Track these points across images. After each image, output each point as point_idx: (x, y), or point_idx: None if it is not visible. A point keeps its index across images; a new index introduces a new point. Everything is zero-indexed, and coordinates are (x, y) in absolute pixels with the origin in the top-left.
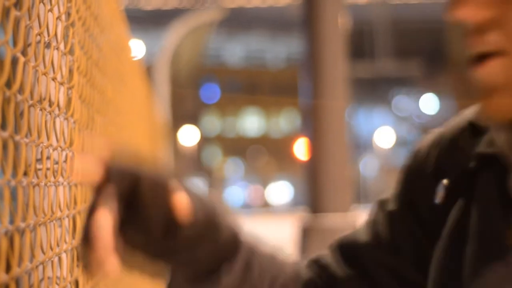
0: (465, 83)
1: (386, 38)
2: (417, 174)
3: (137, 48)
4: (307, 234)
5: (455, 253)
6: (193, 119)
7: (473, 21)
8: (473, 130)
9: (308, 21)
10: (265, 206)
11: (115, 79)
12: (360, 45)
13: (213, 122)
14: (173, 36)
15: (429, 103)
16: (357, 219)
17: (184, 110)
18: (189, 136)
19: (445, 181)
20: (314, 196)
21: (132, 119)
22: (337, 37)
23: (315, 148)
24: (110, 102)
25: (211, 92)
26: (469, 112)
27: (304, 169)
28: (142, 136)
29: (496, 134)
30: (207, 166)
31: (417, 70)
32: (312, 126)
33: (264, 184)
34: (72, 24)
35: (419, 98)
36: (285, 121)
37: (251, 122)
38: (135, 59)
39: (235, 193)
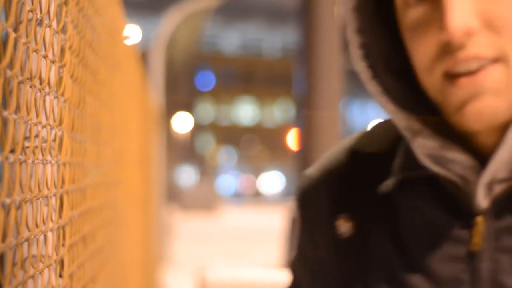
0: None
1: None
2: (312, 220)
3: (134, 33)
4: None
5: (404, 276)
6: (187, 106)
7: (467, 35)
8: (361, 158)
9: (303, 12)
10: (257, 196)
11: (108, 61)
12: None
13: (207, 110)
14: (169, 22)
15: None
16: None
17: (179, 97)
18: (183, 123)
19: (347, 214)
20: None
21: (125, 103)
22: (332, 28)
23: (307, 138)
24: (103, 83)
25: (206, 80)
26: (346, 145)
27: (295, 159)
28: (134, 120)
29: (420, 152)
30: (200, 154)
31: None
32: (305, 116)
33: (256, 173)
34: (66, 3)
35: None
36: (279, 111)
37: (245, 111)
38: (130, 43)
39: (227, 181)
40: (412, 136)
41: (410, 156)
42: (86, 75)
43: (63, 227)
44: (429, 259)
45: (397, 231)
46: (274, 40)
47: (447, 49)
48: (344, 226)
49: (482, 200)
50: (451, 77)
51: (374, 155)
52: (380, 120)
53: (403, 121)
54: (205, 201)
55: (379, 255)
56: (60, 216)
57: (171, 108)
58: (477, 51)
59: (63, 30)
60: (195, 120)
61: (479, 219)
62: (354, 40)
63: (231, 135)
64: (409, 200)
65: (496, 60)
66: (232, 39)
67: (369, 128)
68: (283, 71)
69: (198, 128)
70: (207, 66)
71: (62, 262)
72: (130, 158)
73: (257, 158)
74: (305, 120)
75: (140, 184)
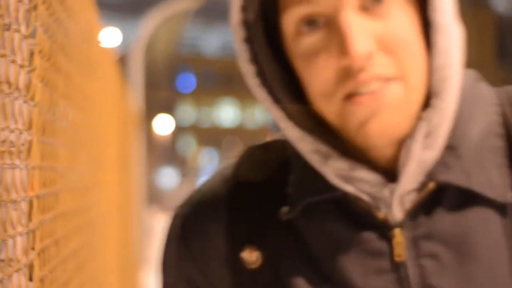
0: None
1: None
2: (201, 258)
3: (114, 36)
4: None
5: None
6: (168, 109)
7: (367, 58)
8: (246, 188)
9: None
10: None
11: (83, 65)
12: None
13: (188, 112)
14: (148, 25)
15: None
16: None
17: (159, 99)
18: (164, 125)
19: (252, 245)
20: None
21: (102, 106)
22: None
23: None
24: (77, 87)
25: (187, 82)
26: (223, 176)
27: None
28: (112, 124)
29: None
30: (181, 156)
31: None
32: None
33: None
34: (35, 7)
35: None
36: (261, 112)
37: (227, 113)
38: (107, 46)
39: None
40: (323, 159)
41: (312, 177)
42: (58, 79)
43: (33, 231)
44: (353, 277)
45: (310, 256)
46: None
47: (348, 73)
48: (250, 257)
49: (397, 212)
50: (352, 98)
51: (260, 183)
52: (252, 145)
53: (310, 145)
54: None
55: (296, 282)
56: (30, 220)
57: (152, 110)
58: (378, 72)
59: (32, 34)
60: (176, 122)
61: (397, 231)
62: (250, 69)
63: (213, 137)
64: (318, 223)
65: (394, 79)
66: (213, 41)
67: (243, 154)
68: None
69: (180, 130)
70: (188, 68)
71: (32, 266)
72: (108, 162)
73: None
74: None
75: (119, 187)
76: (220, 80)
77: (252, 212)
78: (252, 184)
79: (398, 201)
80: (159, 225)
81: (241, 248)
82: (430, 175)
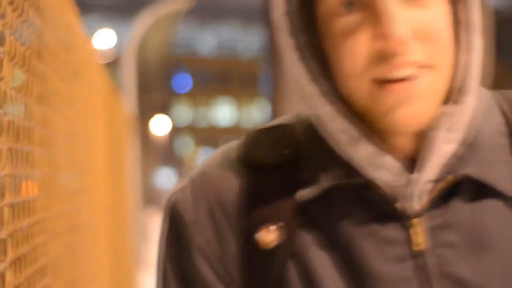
0: None
1: None
2: (210, 236)
3: (109, 37)
4: None
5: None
6: (165, 109)
7: (405, 42)
8: (258, 170)
9: (267, 11)
10: None
11: (63, 69)
12: None
13: (185, 112)
14: (140, 26)
15: None
16: None
17: (155, 100)
18: (160, 126)
19: (268, 226)
20: None
21: (88, 111)
22: None
23: None
24: (56, 92)
25: (183, 82)
26: (230, 157)
27: None
28: (100, 127)
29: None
30: (179, 156)
31: None
32: (274, 116)
33: None
34: (2, 16)
35: None
36: (257, 111)
37: (223, 112)
38: (100, 48)
39: None
40: (353, 141)
41: (335, 161)
42: (34, 85)
43: (4, 240)
44: (371, 263)
45: (327, 239)
46: (250, 40)
47: (381, 56)
48: (266, 238)
49: (416, 203)
50: (382, 82)
51: (270, 166)
52: (256, 127)
53: (340, 125)
54: None
55: (312, 264)
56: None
57: (148, 111)
58: (412, 58)
59: (1, 42)
60: (173, 122)
61: (415, 221)
62: (289, 43)
63: (210, 137)
64: (336, 208)
65: (427, 66)
66: (208, 41)
67: (248, 136)
68: (260, 71)
69: (176, 130)
70: (183, 68)
71: (3, 277)
72: (96, 165)
73: None
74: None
75: (111, 190)
76: (216, 80)
77: (265, 194)
78: (262, 166)
79: (416, 193)
80: (157, 225)
81: (256, 229)
82: (448, 168)
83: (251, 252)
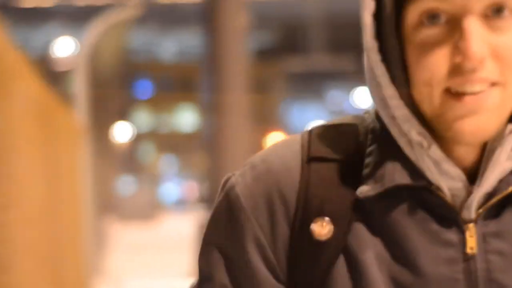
0: None
1: (319, 32)
2: (268, 223)
3: (68, 45)
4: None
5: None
6: (126, 116)
7: (482, 60)
8: (323, 165)
9: (207, 18)
10: (201, 201)
11: None
12: (293, 39)
13: (146, 119)
14: (91, 34)
15: (363, 97)
16: None
17: (114, 108)
18: (121, 133)
19: (324, 218)
20: (214, 192)
21: (17, 124)
22: (236, 35)
23: (216, 145)
24: None
25: (144, 88)
26: (297, 150)
27: (206, 166)
28: (32, 141)
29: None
30: (141, 163)
31: (350, 64)
32: (212, 122)
33: (199, 180)
34: None
35: (352, 92)
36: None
37: (185, 118)
38: (62, 56)
39: (169, 189)
40: (427, 143)
41: (396, 164)
42: None
43: None
44: (423, 263)
45: (381, 237)
46: None
47: (458, 70)
48: (322, 229)
49: (473, 211)
50: (455, 93)
51: (333, 161)
52: (320, 124)
53: (415, 127)
54: (144, 210)
55: (364, 260)
56: None
57: (107, 118)
58: (485, 76)
59: None
60: (134, 129)
61: (470, 226)
62: (374, 45)
63: (172, 143)
64: (394, 208)
65: (495, 84)
66: (169, 47)
67: (312, 131)
68: (199, 78)
69: (138, 137)
70: (145, 74)
71: None
72: (27, 179)
73: (199, 165)
74: (212, 125)
75: (51, 202)
76: (177, 86)
77: (326, 187)
78: (325, 160)
79: (474, 202)
80: (115, 234)
81: (312, 219)
82: (506, 181)
83: (304, 241)
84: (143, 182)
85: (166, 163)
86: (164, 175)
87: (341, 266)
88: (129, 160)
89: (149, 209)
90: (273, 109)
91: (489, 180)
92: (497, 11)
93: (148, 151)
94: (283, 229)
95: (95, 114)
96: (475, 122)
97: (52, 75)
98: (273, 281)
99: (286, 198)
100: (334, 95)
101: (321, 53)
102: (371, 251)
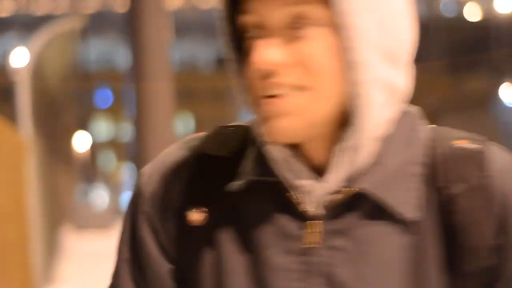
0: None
1: None
2: (156, 211)
3: (23, 55)
4: None
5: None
6: (85, 126)
7: (272, 68)
8: (210, 160)
9: (131, 31)
10: None
11: None
12: None
13: (106, 128)
14: (35, 44)
15: None
16: None
17: (72, 118)
18: (81, 142)
19: (199, 207)
20: None
21: None
22: (159, 47)
23: (143, 156)
24: None
25: (103, 98)
26: (191, 146)
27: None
28: None
29: (272, 160)
30: (102, 172)
31: None
32: (137, 134)
33: None
34: None
35: None
36: (181, 124)
37: None
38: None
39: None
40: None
41: (260, 161)
42: None
43: None
44: (268, 253)
45: (242, 227)
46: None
47: (260, 76)
48: (195, 217)
49: (317, 207)
50: (262, 97)
51: (222, 158)
52: (221, 125)
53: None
54: (103, 219)
55: (225, 247)
56: None
57: (66, 129)
58: (283, 81)
59: None
60: (94, 138)
61: (314, 222)
62: (231, 56)
63: (133, 152)
64: (253, 201)
65: (301, 88)
66: (127, 55)
67: (212, 130)
68: (182, 84)
69: (98, 146)
70: (104, 83)
71: None
72: None
73: None
74: (137, 137)
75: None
76: None
77: (208, 180)
78: (214, 157)
79: (319, 198)
80: (73, 243)
81: (189, 207)
82: (353, 182)
83: (182, 228)
84: (104, 191)
85: (127, 171)
86: (125, 183)
87: (209, 252)
88: (89, 169)
89: (109, 218)
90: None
91: (332, 179)
92: (298, 22)
93: (108, 160)
94: (170, 216)
95: (51, 124)
96: (279, 124)
97: (9, 87)
98: (163, 261)
99: (174, 189)
100: None
101: None
102: (234, 241)
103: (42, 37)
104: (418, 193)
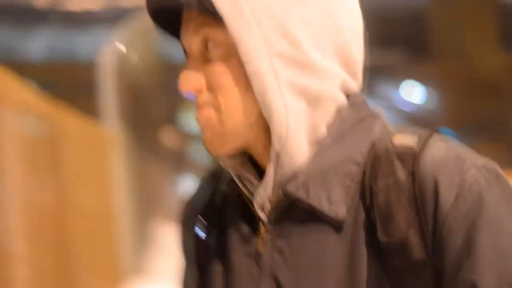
0: (447, 72)
1: (367, 26)
2: (186, 228)
3: (110, 49)
4: None
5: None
6: (174, 117)
7: (193, 90)
8: (208, 184)
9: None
10: None
11: None
12: None
13: None
14: (122, 38)
15: (412, 92)
16: None
17: (161, 110)
18: (172, 134)
19: (202, 222)
20: None
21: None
22: None
23: None
24: None
25: None
26: (203, 180)
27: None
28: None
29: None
30: (194, 163)
31: (399, 59)
32: None
33: None
34: None
35: (401, 86)
36: None
37: None
38: None
39: None
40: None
41: (230, 178)
42: None
43: None
44: (233, 257)
45: (223, 236)
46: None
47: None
48: (201, 229)
49: (260, 212)
50: None
51: (213, 181)
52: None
53: None
54: None
55: (213, 254)
56: None
57: (156, 121)
58: (199, 99)
59: None
60: (185, 129)
61: (261, 227)
62: None
63: None
64: (230, 211)
65: (211, 106)
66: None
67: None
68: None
69: (190, 137)
70: None
71: None
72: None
73: None
74: None
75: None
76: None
77: (206, 201)
78: (210, 181)
79: (262, 203)
80: (165, 234)
81: (196, 223)
82: (283, 186)
83: (194, 240)
84: (195, 182)
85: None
86: None
87: (205, 263)
88: (181, 161)
89: None
90: None
91: (265, 183)
92: (206, 45)
93: (200, 151)
94: (188, 231)
95: (140, 118)
96: (204, 137)
97: (96, 82)
98: (194, 268)
99: (192, 211)
100: (382, 89)
101: (369, 47)
102: (218, 251)
103: (129, 30)
104: (347, 192)
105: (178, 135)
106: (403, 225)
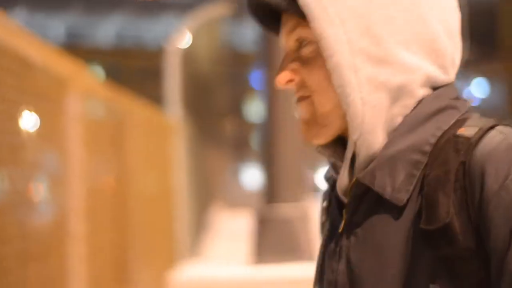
0: None
1: None
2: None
3: (178, 37)
4: (262, 224)
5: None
6: (237, 107)
7: (290, 85)
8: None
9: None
10: (311, 190)
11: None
12: None
13: (259, 108)
14: (190, 27)
15: (480, 87)
16: (308, 209)
17: (225, 99)
18: (234, 123)
19: (323, 205)
20: (269, 187)
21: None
22: None
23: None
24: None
25: (259, 79)
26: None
27: (259, 161)
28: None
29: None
30: (256, 152)
31: (467, 54)
32: (270, 117)
33: (311, 168)
34: None
35: (469, 82)
36: None
37: None
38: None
39: None
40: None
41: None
42: None
43: None
44: (327, 235)
45: (328, 216)
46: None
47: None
48: (322, 211)
49: (344, 198)
50: None
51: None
52: None
53: None
54: (253, 198)
55: (324, 228)
56: None
57: (220, 110)
58: (296, 94)
59: None
60: (248, 118)
61: (344, 211)
62: None
63: None
64: (333, 194)
65: (306, 98)
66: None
67: None
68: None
69: (252, 126)
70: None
71: None
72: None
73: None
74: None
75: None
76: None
77: (328, 187)
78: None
79: (341, 190)
80: (223, 221)
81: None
82: (356, 173)
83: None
84: (256, 170)
85: None
86: None
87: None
88: (242, 149)
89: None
90: None
91: (342, 171)
92: (299, 44)
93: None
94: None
95: (204, 106)
96: (302, 129)
97: (163, 68)
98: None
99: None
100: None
101: None
102: (322, 227)
103: (197, 19)
104: (410, 179)
105: (241, 124)
106: (444, 213)
